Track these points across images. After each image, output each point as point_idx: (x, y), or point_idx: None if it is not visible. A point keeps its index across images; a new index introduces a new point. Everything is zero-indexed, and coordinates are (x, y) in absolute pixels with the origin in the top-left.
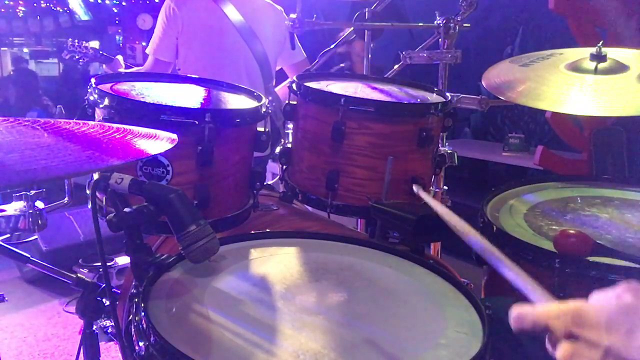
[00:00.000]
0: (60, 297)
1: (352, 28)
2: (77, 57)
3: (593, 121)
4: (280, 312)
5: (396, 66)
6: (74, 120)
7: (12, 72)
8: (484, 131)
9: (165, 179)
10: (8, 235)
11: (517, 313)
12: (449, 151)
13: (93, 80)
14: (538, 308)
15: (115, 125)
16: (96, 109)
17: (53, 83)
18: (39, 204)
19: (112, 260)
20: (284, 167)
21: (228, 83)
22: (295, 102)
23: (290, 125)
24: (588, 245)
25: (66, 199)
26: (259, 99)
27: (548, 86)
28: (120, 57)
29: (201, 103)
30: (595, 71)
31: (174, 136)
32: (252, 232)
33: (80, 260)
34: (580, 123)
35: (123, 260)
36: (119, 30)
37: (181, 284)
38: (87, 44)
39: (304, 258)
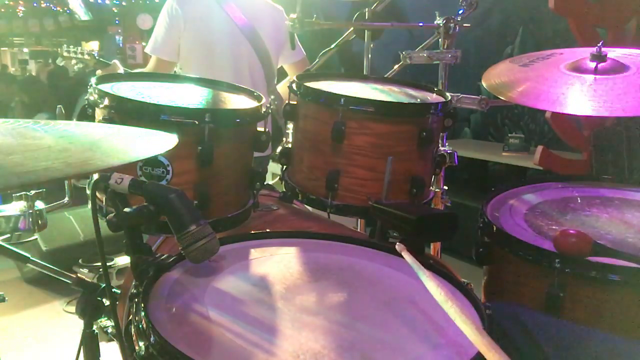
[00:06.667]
0: (60, 297)
1: (352, 28)
2: (72, 62)
3: (593, 121)
4: (280, 312)
5: (396, 66)
6: (74, 121)
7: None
8: (484, 131)
9: (165, 179)
10: (8, 235)
11: None
12: (449, 151)
13: (93, 80)
14: None
15: (115, 126)
16: (96, 109)
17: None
18: (39, 204)
19: (112, 260)
20: (284, 167)
21: (228, 83)
22: (295, 102)
23: (290, 125)
24: (588, 245)
25: (66, 199)
26: (259, 99)
27: (548, 86)
28: (116, 62)
29: (201, 103)
30: (595, 71)
31: (174, 136)
32: (252, 232)
33: (80, 260)
34: (580, 123)
35: (123, 260)
36: (119, 30)
37: (181, 284)
38: (82, 49)
39: (304, 258)
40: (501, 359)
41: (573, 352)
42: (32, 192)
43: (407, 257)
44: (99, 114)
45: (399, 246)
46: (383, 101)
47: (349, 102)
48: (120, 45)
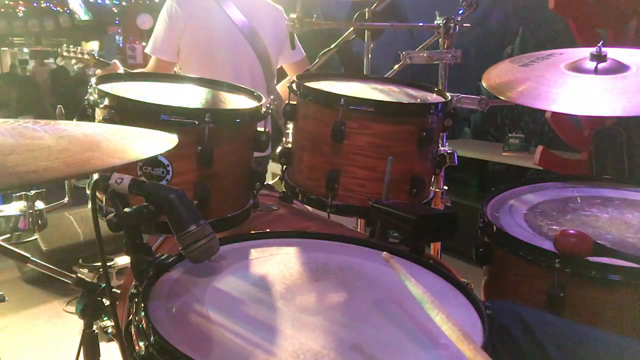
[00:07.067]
0: (60, 297)
1: (352, 28)
2: (72, 62)
3: (593, 121)
4: (280, 312)
5: (396, 66)
6: (74, 121)
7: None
8: (484, 131)
9: (165, 179)
10: (8, 235)
11: None
12: (449, 151)
13: (93, 80)
14: None
15: (115, 126)
16: (96, 109)
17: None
18: (39, 204)
19: (112, 260)
20: (284, 167)
21: (228, 83)
22: (295, 102)
23: (290, 125)
24: (588, 245)
25: (66, 199)
26: (259, 99)
27: (548, 86)
28: (116, 62)
29: (201, 103)
30: (595, 71)
31: (174, 136)
32: (252, 232)
33: (80, 260)
34: (580, 123)
35: (123, 260)
36: (119, 30)
37: (181, 284)
38: (82, 49)
39: (304, 258)
40: None
41: (575, 350)
42: (32, 192)
43: (395, 265)
44: (99, 114)
45: (385, 255)
46: (383, 101)
47: (349, 102)
48: (120, 45)
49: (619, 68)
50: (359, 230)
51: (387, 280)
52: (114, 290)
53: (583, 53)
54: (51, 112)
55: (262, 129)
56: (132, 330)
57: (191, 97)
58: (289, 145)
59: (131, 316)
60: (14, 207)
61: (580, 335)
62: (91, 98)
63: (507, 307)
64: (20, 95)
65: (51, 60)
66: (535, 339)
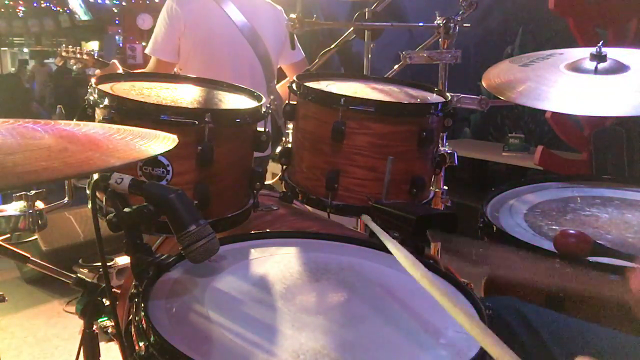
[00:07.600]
0: (60, 297)
1: (352, 28)
2: (71, 62)
3: (593, 121)
4: (280, 312)
5: (396, 66)
6: (74, 121)
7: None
8: (484, 131)
9: (165, 179)
10: (8, 235)
11: None
12: (449, 151)
13: (93, 80)
14: None
15: (115, 126)
16: (96, 109)
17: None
18: (39, 204)
19: (112, 260)
20: (284, 167)
21: (228, 83)
22: (295, 102)
23: (290, 125)
24: (588, 245)
25: (66, 199)
26: (259, 99)
27: (548, 86)
28: (115, 62)
29: (201, 103)
30: (595, 71)
31: (174, 136)
32: (252, 232)
33: (80, 260)
34: (580, 123)
35: (123, 260)
36: (119, 30)
37: (181, 284)
38: (81, 49)
39: (304, 258)
40: (471, 320)
41: (577, 347)
42: (32, 192)
43: (373, 226)
44: (99, 114)
45: (364, 217)
46: (383, 101)
47: (349, 102)
48: (120, 45)
49: (619, 68)
50: (359, 230)
51: (387, 280)
52: (114, 290)
53: (583, 53)
54: (41, 114)
55: (262, 129)
56: (132, 330)
57: (191, 97)
58: (289, 145)
59: (131, 316)
60: (14, 207)
61: (582, 332)
62: (91, 98)
63: (509, 304)
64: (6, 98)
65: (51, 60)
66: (537, 336)
